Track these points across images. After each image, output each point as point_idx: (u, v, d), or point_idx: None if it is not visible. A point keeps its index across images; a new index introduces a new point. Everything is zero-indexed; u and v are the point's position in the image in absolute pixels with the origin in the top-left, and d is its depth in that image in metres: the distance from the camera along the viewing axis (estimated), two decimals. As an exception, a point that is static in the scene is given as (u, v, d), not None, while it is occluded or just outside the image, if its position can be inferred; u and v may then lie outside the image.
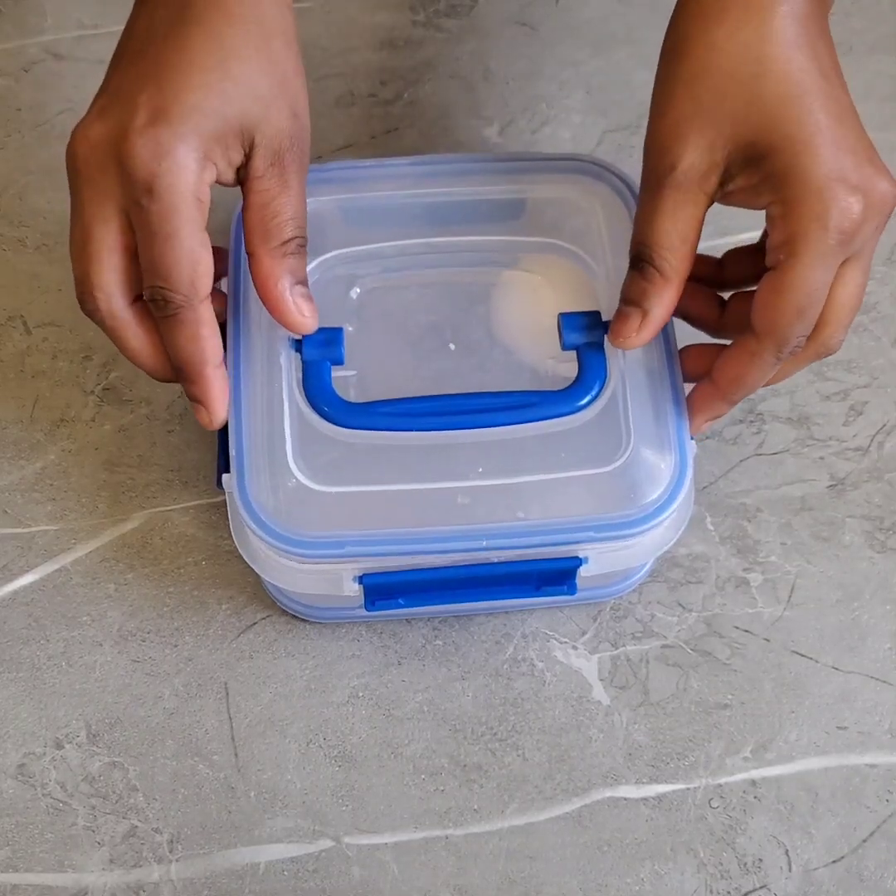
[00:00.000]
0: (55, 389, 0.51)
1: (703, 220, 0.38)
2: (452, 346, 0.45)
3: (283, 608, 0.46)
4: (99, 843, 0.43)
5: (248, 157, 0.38)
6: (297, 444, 0.41)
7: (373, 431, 0.41)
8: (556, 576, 0.42)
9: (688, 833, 0.44)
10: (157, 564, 0.48)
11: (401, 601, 0.42)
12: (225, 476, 0.41)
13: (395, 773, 0.44)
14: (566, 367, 0.43)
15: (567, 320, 0.43)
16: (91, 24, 0.60)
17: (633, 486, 0.41)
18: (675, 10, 0.39)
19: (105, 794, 0.44)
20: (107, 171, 0.37)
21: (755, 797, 0.44)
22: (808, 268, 0.36)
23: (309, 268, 0.44)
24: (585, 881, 0.43)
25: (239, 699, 0.46)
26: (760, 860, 0.43)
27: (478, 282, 0.46)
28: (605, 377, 0.42)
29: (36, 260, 0.54)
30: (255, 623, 0.47)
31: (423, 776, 0.44)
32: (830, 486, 0.49)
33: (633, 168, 0.56)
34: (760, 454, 0.50)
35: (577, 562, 0.41)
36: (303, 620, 0.47)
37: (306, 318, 0.40)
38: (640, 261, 0.39)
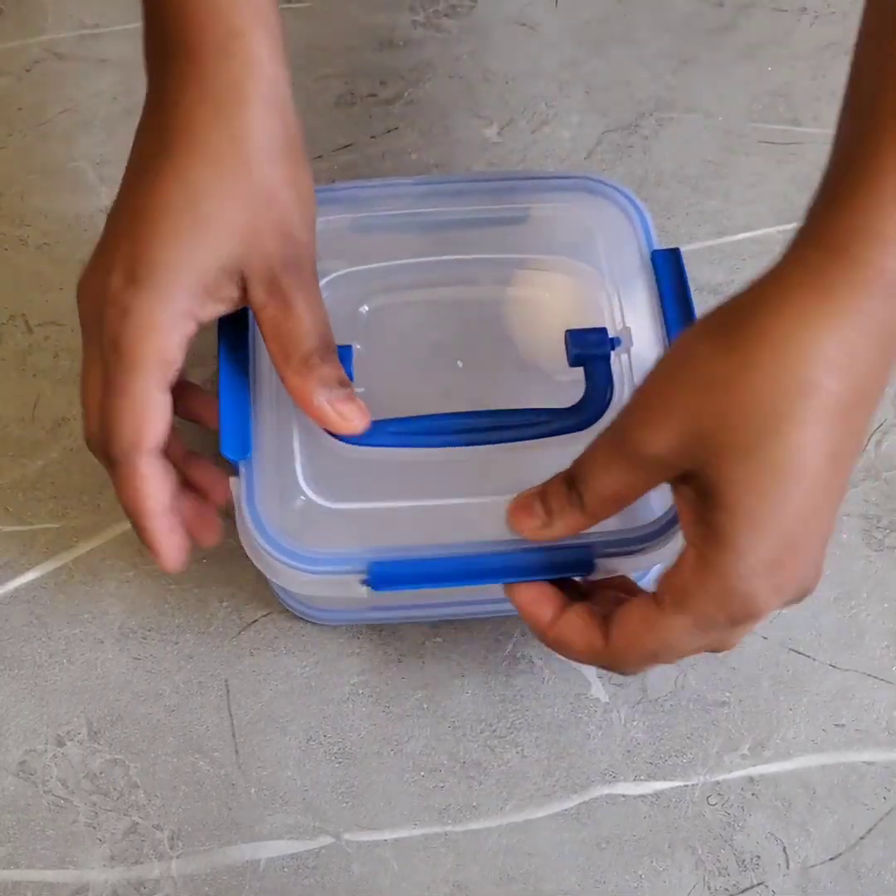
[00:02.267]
0: (57, 388, 0.51)
1: (642, 495, 0.37)
2: (460, 364, 0.46)
3: (286, 607, 0.47)
4: (100, 840, 0.43)
5: (244, 289, 0.38)
6: (306, 461, 0.42)
7: (381, 448, 0.41)
8: (570, 566, 0.41)
9: (686, 830, 0.44)
10: (158, 562, 0.48)
11: (407, 585, 0.41)
12: (233, 480, 0.41)
13: (394, 770, 0.45)
14: (573, 383, 0.43)
15: (573, 337, 0.43)
16: (92, 24, 0.60)
17: (642, 502, 0.41)
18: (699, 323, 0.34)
19: (106, 790, 0.44)
20: (96, 324, 0.38)
21: (753, 794, 0.44)
22: (678, 626, 0.34)
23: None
24: (584, 878, 0.43)
25: (239, 696, 0.46)
26: (758, 857, 0.43)
27: (485, 299, 0.47)
28: (613, 392, 0.42)
29: (37, 259, 0.54)
30: (255, 621, 0.47)
31: (422, 773, 0.45)
32: (828, 484, 0.49)
33: (632, 167, 0.56)
34: (758, 453, 0.50)
35: (590, 560, 0.40)
36: (303, 618, 0.47)
37: (352, 422, 0.39)
38: (572, 484, 0.37)
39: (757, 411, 0.31)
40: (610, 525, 0.40)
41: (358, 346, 0.44)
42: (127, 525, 0.48)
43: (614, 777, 0.45)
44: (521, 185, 0.48)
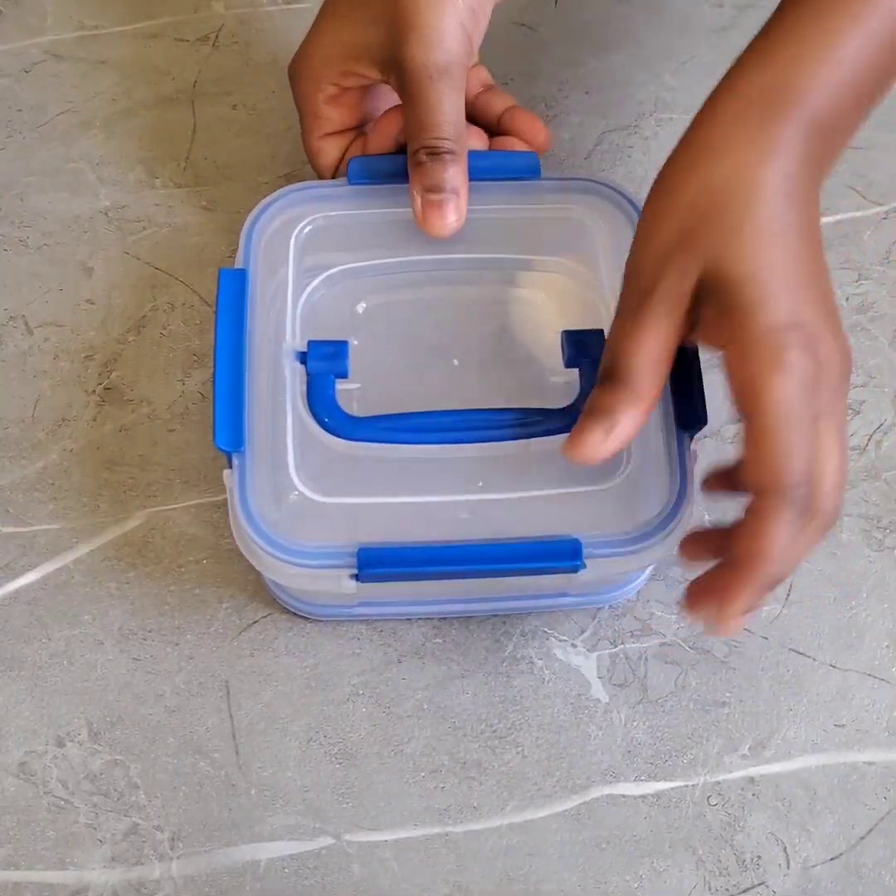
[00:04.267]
0: (56, 389, 0.51)
1: (676, 348, 0.38)
2: (456, 362, 0.46)
3: (283, 606, 0.47)
4: (100, 841, 0.43)
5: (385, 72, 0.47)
6: (299, 456, 0.42)
7: (375, 444, 0.41)
8: (558, 554, 0.41)
9: (686, 830, 0.44)
10: (159, 563, 0.48)
11: (393, 572, 0.41)
12: (226, 472, 0.41)
13: (395, 771, 0.45)
14: (568, 384, 0.43)
15: (570, 338, 0.43)
16: (91, 26, 0.60)
17: (634, 503, 0.41)
18: (675, 148, 0.39)
19: (106, 791, 0.44)
20: None
21: (753, 795, 0.44)
22: (774, 405, 0.35)
23: (315, 283, 0.46)
24: (584, 878, 0.43)
25: (240, 697, 0.46)
26: (759, 857, 0.43)
27: (482, 298, 0.47)
28: None
29: (37, 260, 0.54)
30: (255, 621, 0.47)
31: (422, 774, 0.45)
32: (828, 484, 0.49)
33: (631, 168, 0.56)
34: (758, 453, 0.50)
35: (577, 553, 0.41)
36: (303, 618, 0.47)
37: (435, 222, 0.45)
38: (613, 376, 0.38)
39: (730, 200, 0.37)
40: (602, 525, 0.41)
41: (354, 342, 0.44)
42: (127, 526, 0.49)
43: (615, 777, 0.45)
44: (521, 186, 0.48)
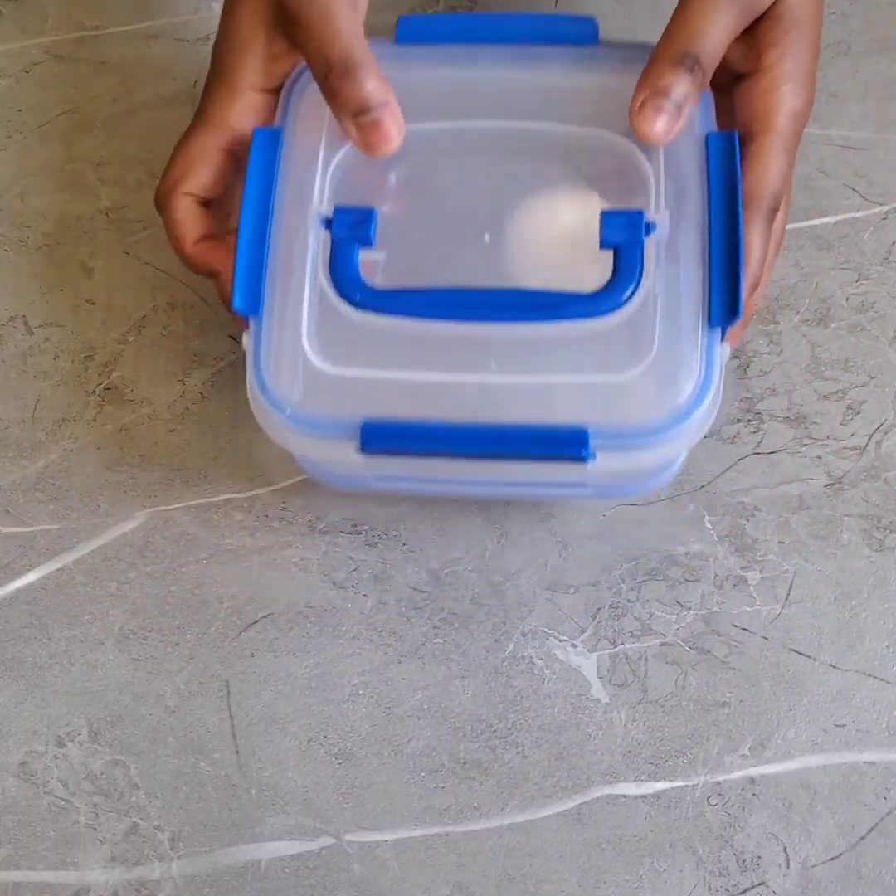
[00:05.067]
0: (57, 389, 0.51)
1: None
2: (487, 237, 0.43)
3: (304, 471, 0.47)
4: (100, 841, 0.43)
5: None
6: (315, 325, 0.41)
7: (392, 318, 0.40)
8: (564, 443, 0.40)
9: (686, 830, 0.44)
10: (159, 563, 0.48)
11: (395, 448, 0.40)
12: (245, 336, 0.41)
13: (395, 771, 0.45)
14: (602, 269, 0.41)
15: (608, 218, 0.41)
16: (92, 26, 0.60)
17: (654, 396, 0.40)
18: None
19: (107, 791, 0.44)
20: None
21: (754, 795, 0.44)
22: (782, 130, 0.42)
23: (348, 146, 0.43)
24: (584, 878, 0.43)
25: (240, 697, 0.46)
26: (759, 857, 0.43)
27: (522, 172, 0.44)
28: (640, 281, 0.40)
29: (37, 260, 0.54)
30: (256, 621, 0.47)
31: (423, 774, 0.45)
32: (828, 484, 0.49)
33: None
34: (758, 453, 0.50)
35: (584, 434, 0.39)
36: (304, 619, 0.47)
37: (373, 142, 0.42)
38: (686, 61, 0.41)
39: None
40: (619, 417, 0.39)
41: (384, 210, 0.42)
42: (127, 526, 0.49)
43: (615, 777, 0.45)
44: (575, 52, 0.45)
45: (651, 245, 0.41)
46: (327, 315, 0.41)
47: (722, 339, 0.40)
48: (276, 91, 0.45)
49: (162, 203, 0.45)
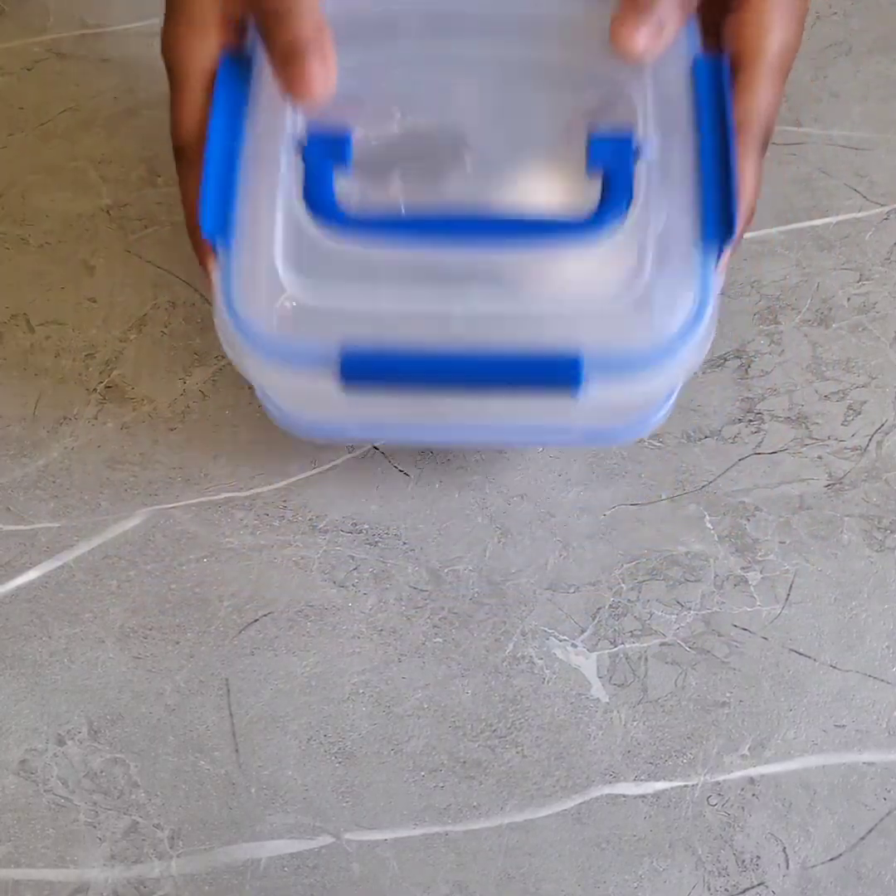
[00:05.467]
0: (58, 387, 0.51)
1: None
2: (469, 163, 0.41)
3: (281, 426, 0.45)
4: (100, 839, 0.43)
5: None
6: (290, 252, 0.38)
7: (371, 243, 0.38)
8: (555, 370, 0.38)
9: (686, 830, 0.44)
10: (160, 561, 0.48)
11: (376, 376, 0.38)
12: (212, 263, 0.39)
13: (394, 770, 0.45)
14: (591, 194, 0.39)
15: (596, 142, 0.39)
16: (94, 24, 0.60)
17: (646, 322, 0.38)
18: None
19: (106, 789, 0.44)
20: None
21: (753, 795, 0.44)
22: (772, 56, 0.40)
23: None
24: (584, 878, 0.43)
25: (240, 695, 0.46)
26: (758, 858, 0.43)
27: (506, 98, 0.42)
28: (629, 204, 0.38)
29: (39, 258, 0.54)
30: (256, 620, 0.47)
31: (422, 773, 0.45)
32: (829, 485, 0.49)
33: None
34: (759, 453, 0.50)
35: (578, 361, 0.37)
36: (304, 618, 0.47)
37: (300, 85, 0.39)
38: None
39: None
40: (608, 345, 0.37)
41: (359, 133, 0.40)
42: (128, 524, 0.49)
43: (614, 777, 0.45)
44: None
45: (640, 168, 0.39)
46: (302, 241, 0.38)
47: (716, 263, 0.39)
48: (237, 23, 0.41)
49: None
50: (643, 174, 0.39)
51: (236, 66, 0.40)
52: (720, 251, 0.39)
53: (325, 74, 0.39)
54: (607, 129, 0.40)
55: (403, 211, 0.39)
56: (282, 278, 0.38)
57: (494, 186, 0.41)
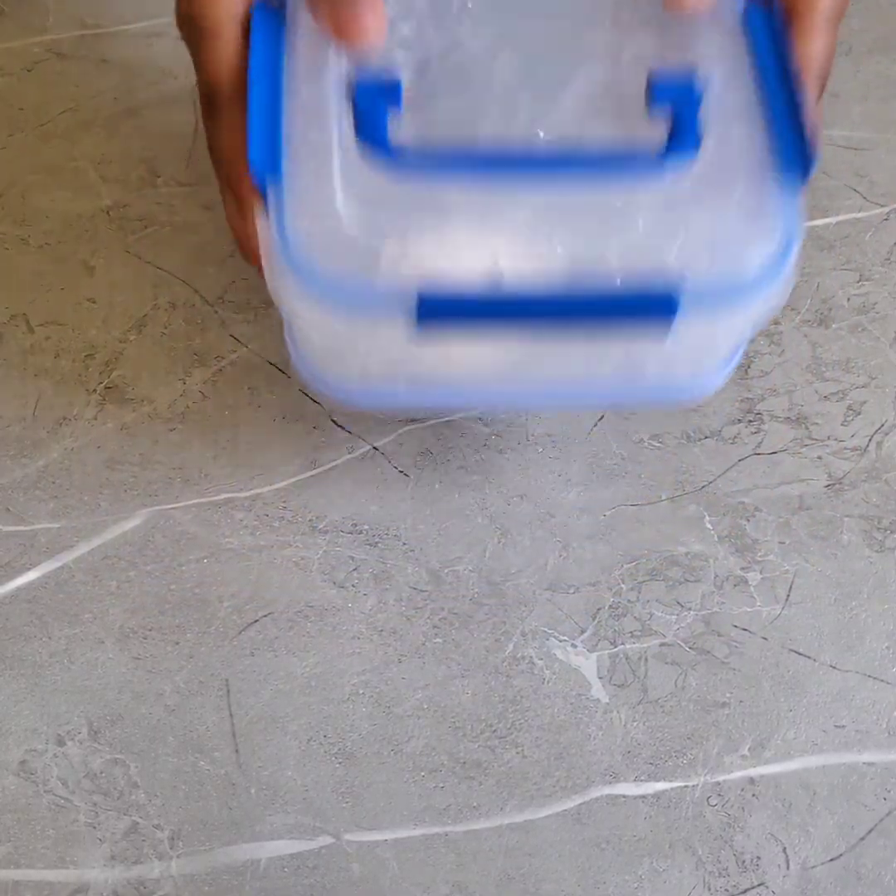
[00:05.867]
0: (57, 388, 0.51)
1: None
2: (525, 103, 0.39)
3: (321, 397, 0.43)
4: (100, 840, 0.43)
5: None
6: (347, 184, 0.36)
7: (429, 178, 0.36)
8: (650, 304, 0.36)
9: (686, 831, 0.44)
10: (159, 562, 0.48)
11: (456, 313, 0.35)
12: (260, 209, 0.36)
13: (394, 770, 0.45)
14: (656, 133, 0.38)
15: (659, 83, 0.38)
16: (93, 24, 0.60)
17: (732, 254, 0.36)
18: None
19: (106, 790, 0.44)
20: None
21: (753, 795, 0.44)
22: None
23: None
24: (584, 878, 0.43)
25: (240, 696, 0.46)
26: (758, 858, 0.43)
27: (562, 38, 0.40)
28: (698, 142, 0.37)
29: (39, 259, 0.54)
30: (256, 620, 0.47)
31: (422, 773, 0.45)
32: (828, 485, 0.49)
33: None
34: (759, 453, 0.50)
35: (673, 299, 0.35)
36: (304, 619, 0.47)
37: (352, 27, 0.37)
38: None
39: None
40: (697, 272, 0.36)
41: (409, 73, 0.39)
42: (128, 525, 0.49)
43: (614, 777, 0.45)
44: None
45: (706, 107, 0.37)
46: (361, 180, 0.36)
47: (798, 197, 0.37)
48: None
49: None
50: (709, 112, 0.37)
51: (270, 11, 0.38)
52: (800, 185, 0.37)
53: (375, 18, 0.37)
54: (669, 71, 0.38)
55: (459, 148, 0.36)
56: (343, 216, 0.35)
57: (551, 125, 0.39)
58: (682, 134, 0.37)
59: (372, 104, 0.37)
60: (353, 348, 0.39)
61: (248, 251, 0.39)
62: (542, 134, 0.39)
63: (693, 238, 0.36)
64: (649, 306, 0.35)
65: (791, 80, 0.38)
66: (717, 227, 0.37)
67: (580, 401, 0.44)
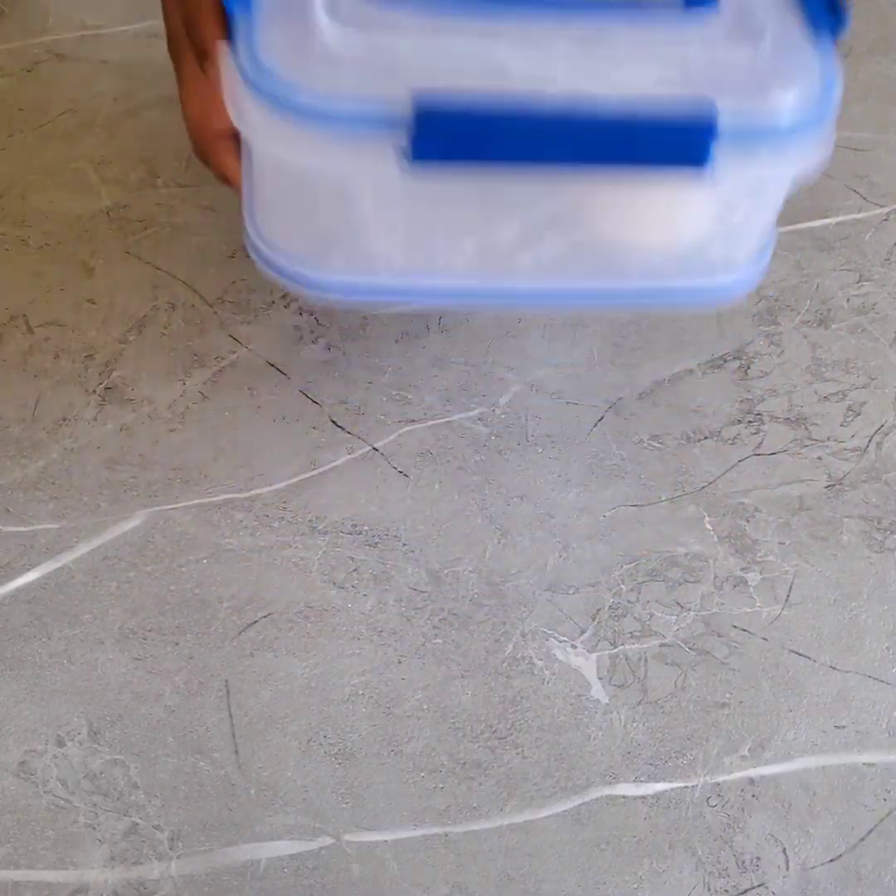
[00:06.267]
0: (57, 389, 0.51)
1: None
2: None
3: (297, 289, 0.36)
4: (100, 841, 0.43)
5: None
6: (326, 7, 0.31)
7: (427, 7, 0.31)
8: (683, 140, 0.31)
9: (686, 831, 0.44)
10: (159, 563, 0.48)
11: (459, 134, 0.28)
12: (231, 30, 0.31)
13: (394, 771, 0.45)
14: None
15: None
16: (93, 25, 0.60)
17: (771, 98, 0.33)
18: None
19: (106, 791, 0.44)
20: None
21: (753, 796, 0.44)
22: None
23: None
24: (584, 879, 0.43)
25: (239, 697, 0.46)
26: (758, 859, 0.43)
27: None
28: None
29: (38, 259, 0.54)
30: (255, 621, 0.47)
31: (422, 774, 0.45)
32: (828, 486, 0.49)
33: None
34: (759, 454, 0.50)
35: (709, 129, 0.30)
36: (303, 619, 0.47)
37: None
38: None
39: None
40: (738, 104, 0.32)
41: None
42: (127, 525, 0.49)
43: (614, 778, 0.45)
44: None
45: None
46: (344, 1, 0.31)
47: (832, 49, 0.35)
48: None
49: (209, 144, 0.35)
50: None
51: None
52: (834, 38, 0.35)
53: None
54: None
55: None
56: (324, 31, 0.30)
57: None
58: None
59: None
60: (325, 208, 0.32)
61: (206, 127, 0.34)
62: None
63: (725, 75, 0.33)
64: (683, 136, 0.30)
65: None
66: (750, 68, 0.33)
67: (597, 301, 0.38)
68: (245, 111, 0.31)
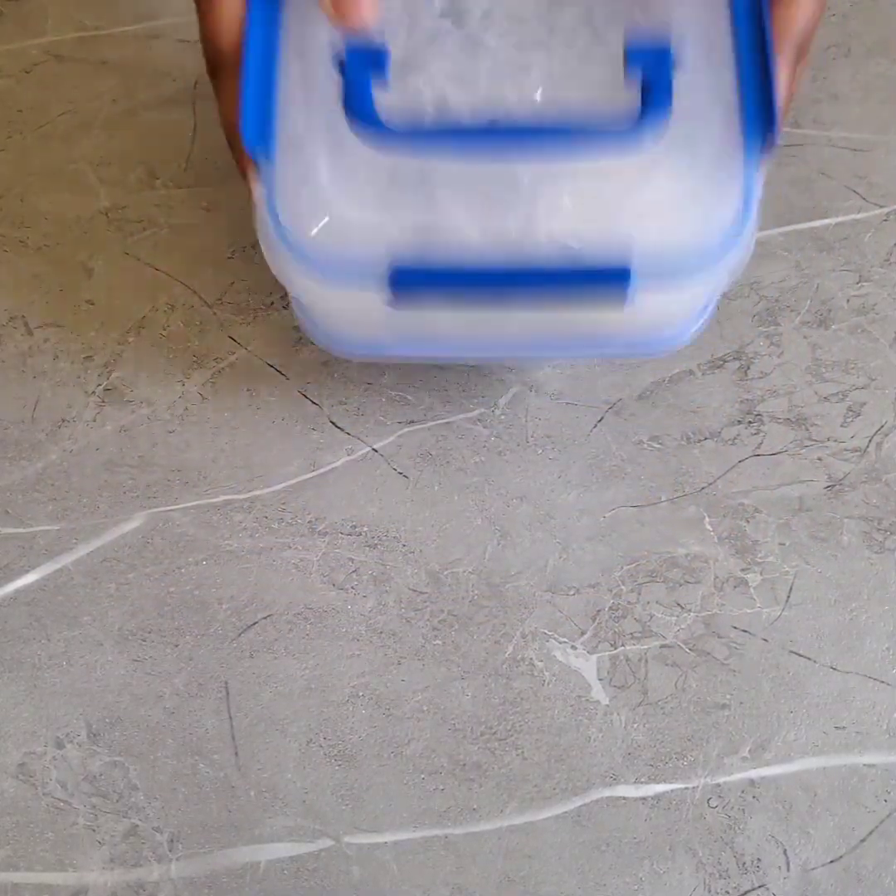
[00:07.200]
0: (56, 390, 0.51)
1: None
2: (500, 67, 0.40)
3: (319, 344, 0.44)
4: (99, 843, 0.43)
5: None
6: (333, 161, 0.38)
7: (414, 152, 0.38)
8: (605, 275, 0.37)
9: (686, 832, 0.44)
10: (158, 564, 0.48)
11: (428, 284, 0.38)
12: (253, 175, 0.38)
13: (394, 773, 0.45)
14: (629, 103, 0.38)
15: (634, 49, 0.38)
16: (92, 26, 0.60)
17: (692, 225, 0.38)
18: None
19: (105, 793, 0.44)
20: None
21: (753, 797, 0.44)
22: None
23: None
24: (584, 880, 0.43)
25: (239, 698, 0.46)
26: (759, 860, 0.43)
27: (539, 15, 0.41)
28: (668, 111, 0.37)
29: (37, 261, 0.54)
30: (255, 623, 0.47)
31: (422, 775, 0.45)
32: (828, 486, 0.49)
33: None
34: (759, 455, 0.50)
35: (626, 272, 0.37)
36: (303, 621, 0.47)
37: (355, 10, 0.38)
38: None
39: None
40: (648, 250, 0.37)
41: (395, 50, 0.40)
42: (127, 527, 0.48)
43: (615, 779, 0.45)
44: None
45: (679, 75, 0.38)
46: (345, 152, 0.38)
47: (758, 166, 0.38)
48: None
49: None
50: (681, 80, 0.38)
51: None
52: (762, 154, 0.38)
53: (372, 2, 0.38)
54: (644, 36, 0.39)
55: (440, 120, 0.39)
56: (326, 189, 0.38)
57: (527, 98, 0.40)
58: (652, 104, 0.37)
59: (358, 76, 0.38)
60: (340, 310, 0.41)
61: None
62: (537, 96, 0.40)
63: (652, 210, 0.38)
64: (605, 283, 0.37)
65: (762, 46, 0.39)
66: (676, 200, 0.38)
67: (550, 353, 0.45)
68: (267, 242, 0.38)
